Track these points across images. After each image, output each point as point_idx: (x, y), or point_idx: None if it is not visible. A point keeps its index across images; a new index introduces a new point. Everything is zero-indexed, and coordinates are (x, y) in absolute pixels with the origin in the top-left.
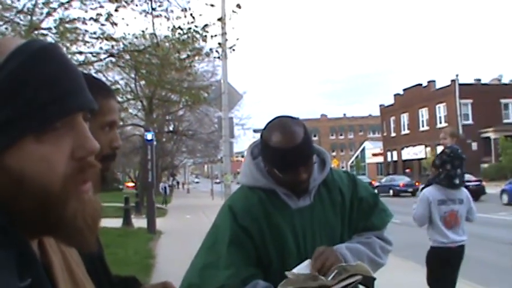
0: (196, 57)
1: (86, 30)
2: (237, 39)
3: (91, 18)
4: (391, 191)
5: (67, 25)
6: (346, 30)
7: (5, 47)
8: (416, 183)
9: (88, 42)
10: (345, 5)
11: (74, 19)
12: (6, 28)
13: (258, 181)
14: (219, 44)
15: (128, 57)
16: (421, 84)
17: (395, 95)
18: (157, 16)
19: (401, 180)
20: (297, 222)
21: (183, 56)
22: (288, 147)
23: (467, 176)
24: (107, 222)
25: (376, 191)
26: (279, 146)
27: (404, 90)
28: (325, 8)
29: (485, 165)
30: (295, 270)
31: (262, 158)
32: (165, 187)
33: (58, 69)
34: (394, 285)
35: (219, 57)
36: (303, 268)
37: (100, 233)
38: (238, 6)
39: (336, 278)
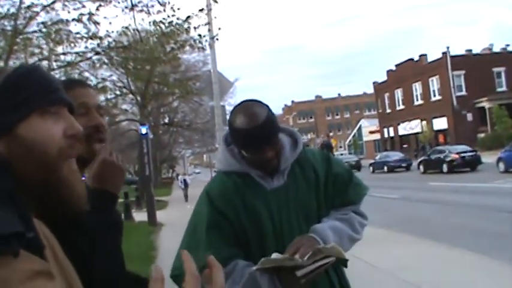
0: (181, 49)
1: (70, 31)
2: (219, 28)
3: (73, 19)
4: (385, 167)
5: (51, 27)
6: (337, 10)
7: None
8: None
9: (73, 42)
10: None
11: (57, 21)
12: None
13: (232, 166)
14: (199, 35)
15: (113, 54)
16: (412, 59)
17: (388, 71)
18: (140, 11)
19: (395, 156)
20: (272, 202)
21: (168, 49)
22: (249, 127)
23: (464, 147)
24: None
25: (371, 168)
26: (241, 127)
27: (396, 65)
28: None
29: (482, 135)
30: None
31: (232, 141)
32: (184, 180)
33: (50, 77)
34: (392, 258)
35: (202, 48)
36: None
37: None
38: None
39: (311, 259)
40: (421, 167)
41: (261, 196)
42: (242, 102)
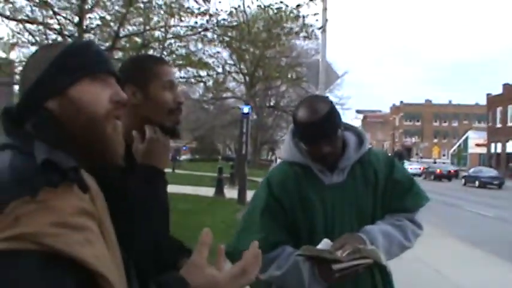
0: (288, 36)
1: (182, 5)
2: (326, 20)
3: None
4: (476, 182)
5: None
6: (456, 15)
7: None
8: None
9: (184, 16)
10: None
11: None
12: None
13: (295, 157)
14: (304, 24)
15: (221, 32)
16: None
17: (504, 85)
18: None
19: (489, 172)
20: (328, 198)
21: (275, 34)
22: (308, 120)
23: None
24: (199, 191)
25: (463, 181)
26: (301, 120)
27: None
28: None
29: None
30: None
31: (295, 133)
32: None
33: (101, 50)
34: (475, 280)
35: (308, 37)
36: (322, 245)
37: (190, 200)
38: None
39: (349, 256)
40: None
41: (318, 190)
42: (309, 96)
